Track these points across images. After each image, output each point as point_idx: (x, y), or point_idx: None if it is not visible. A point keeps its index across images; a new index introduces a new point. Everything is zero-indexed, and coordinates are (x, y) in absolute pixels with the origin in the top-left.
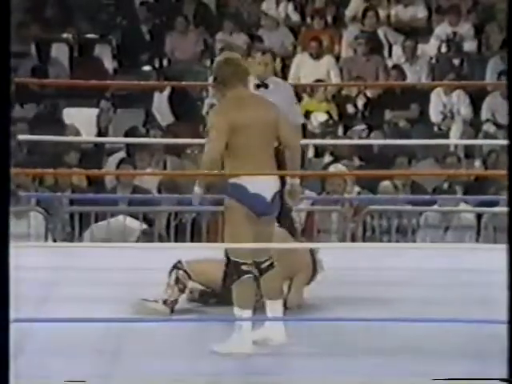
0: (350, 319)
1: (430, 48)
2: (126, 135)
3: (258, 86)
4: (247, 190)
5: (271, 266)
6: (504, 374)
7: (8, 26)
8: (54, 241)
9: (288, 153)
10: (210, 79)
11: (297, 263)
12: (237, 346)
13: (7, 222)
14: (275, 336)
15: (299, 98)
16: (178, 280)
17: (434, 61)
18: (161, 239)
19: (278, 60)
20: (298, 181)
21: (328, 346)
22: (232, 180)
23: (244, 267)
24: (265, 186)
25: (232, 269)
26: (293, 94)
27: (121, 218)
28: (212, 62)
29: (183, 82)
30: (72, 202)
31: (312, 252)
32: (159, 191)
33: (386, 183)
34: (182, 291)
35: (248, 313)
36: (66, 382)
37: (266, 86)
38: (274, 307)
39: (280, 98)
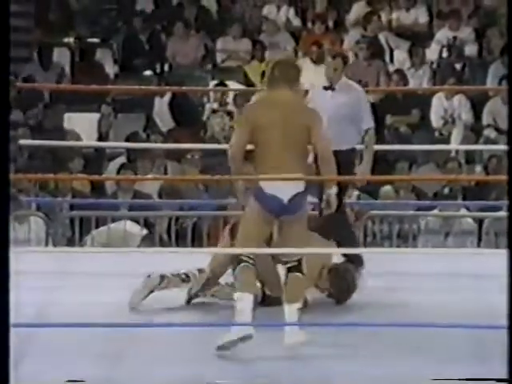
0: (352, 324)
1: (431, 53)
2: (127, 140)
3: (325, 88)
4: (263, 190)
5: (297, 268)
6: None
7: (7, 30)
8: (55, 246)
9: (319, 161)
10: (211, 84)
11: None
12: (238, 331)
13: (7, 227)
14: (293, 338)
15: None
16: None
17: (435, 66)
18: (162, 244)
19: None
20: (334, 191)
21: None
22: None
23: (242, 257)
24: (282, 187)
25: (233, 259)
26: (363, 97)
27: (122, 223)
28: (214, 66)
29: (184, 87)
30: (72, 207)
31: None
32: (160, 196)
33: (386, 188)
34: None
35: (248, 296)
36: (66, 382)
37: (333, 89)
38: (291, 310)
39: (346, 100)
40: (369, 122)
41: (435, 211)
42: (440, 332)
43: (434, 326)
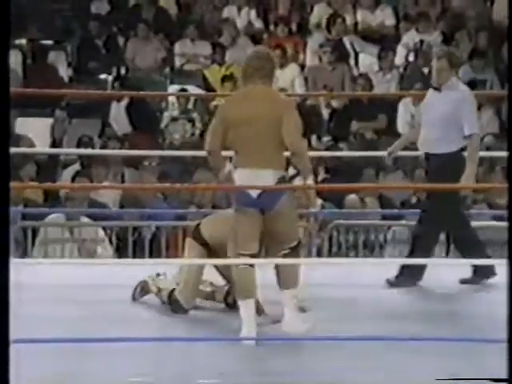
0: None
1: (397, 56)
2: (78, 145)
3: (434, 89)
4: (235, 183)
5: (291, 255)
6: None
7: (7, 31)
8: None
9: (291, 154)
10: (170, 89)
11: None
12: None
13: (7, 239)
14: (293, 327)
15: None
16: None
17: (401, 70)
18: (119, 255)
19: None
20: (310, 181)
21: None
22: (235, 171)
23: (241, 257)
24: (254, 181)
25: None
26: (467, 99)
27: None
28: (172, 70)
29: (141, 92)
30: (24, 217)
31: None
32: (121, 206)
33: (352, 197)
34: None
35: (251, 302)
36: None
37: (440, 90)
38: (287, 296)
39: (449, 102)
40: (471, 127)
41: (403, 221)
42: None
43: (423, 339)
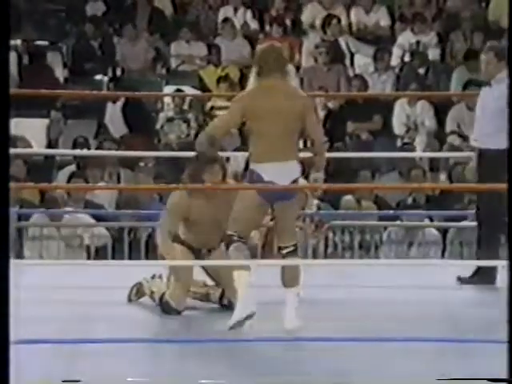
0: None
1: (393, 57)
2: (74, 146)
3: (485, 84)
4: (262, 177)
5: (294, 253)
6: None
7: (7, 31)
8: None
9: (315, 146)
10: (166, 89)
11: None
12: (243, 311)
13: (7, 240)
14: (288, 323)
15: None
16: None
17: (397, 70)
18: (114, 256)
19: (237, 70)
20: (321, 175)
21: None
22: (251, 166)
23: (233, 237)
24: (280, 173)
25: (226, 240)
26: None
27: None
28: (168, 71)
29: (137, 93)
30: (20, 218)
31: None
32: (117, 207)
33: (348, 197)
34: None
35: (247, 274)
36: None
37: (490, 85)
38: (291, 294)
39: (497, 96)
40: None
41: (398, 222)
42: None
43: (423, 340)
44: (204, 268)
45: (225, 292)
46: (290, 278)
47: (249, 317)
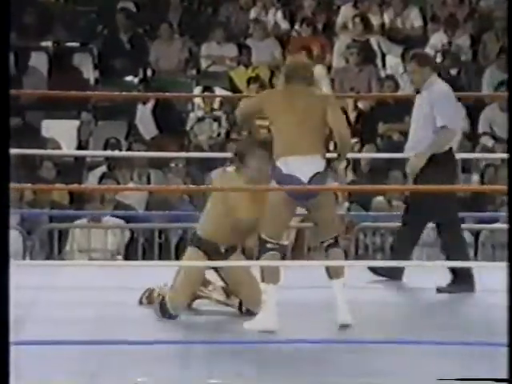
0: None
1: None
2: (105, 147)
3: (417, 92)
4: (281, 170)
5: (335, 245)
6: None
7: (7, 32)
8: (32, 259)
9: (337, 138)
10: (196, 90)
11: None
12: (263, 323)
13: (7, 240)
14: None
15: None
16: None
17: None
18: (144, 257)
19: (267, 71)
20: (343, 164)
21: None
22: (276, 161)
23: (269, 245)
24: (301, 166)
25: (260, 245)
26: (442, 96)
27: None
28: (198, 72)
29: (168, 93)
30: (51, 219)
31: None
32: (147, 207)
33: (379, 199)
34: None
35: (273, 288)
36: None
37: (420, 92)
38: (338, 285)
39: (425, 101)
40: (443, 119)
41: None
42: None
43: (430, 343)
44: (218, 272)
45: (240, 298)
46: (333, 270)
47: (267, 332)
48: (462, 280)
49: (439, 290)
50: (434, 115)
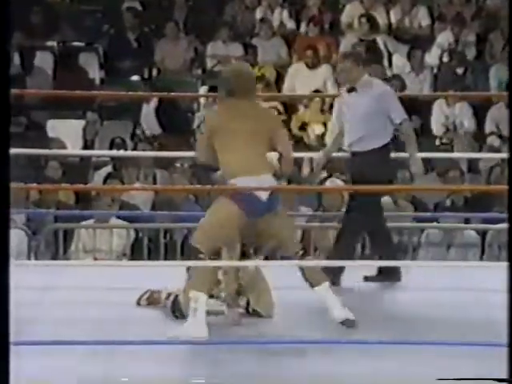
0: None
1: (432, 57)
2: (110, 147)
3: (348, 91)
4: (241, 191)
5: (304, 256)
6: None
7: (7, 34)
8: (37, 259)
9: (283, 161)
10: (201, 90)
11: None
12: (193, 330)
13: (7, 239)
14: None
15: (294, 110)
16: None
17: (435, 70)
18: (150, 257)
19: (273, 70)
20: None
21: None
22: (229, 181)
23: (201, 256)
24: (261, 183)
25: (191, 253)
26: (389, 93)
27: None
28: (203, 71)
29: (172, 93)
30: (56, 219)
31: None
32: (153, 207)
33: (385, 199)
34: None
35: (203, 297)
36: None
37: (355, 90)
38: (320, 292)
39: (368, 99)
40: (400, 115)
41: (435, 223)
42: None
43: (432, 343)
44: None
45: (249, 298)
46: (311, 280)
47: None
48: (388, 270)
49: (366, 279)
50: (384, 115)
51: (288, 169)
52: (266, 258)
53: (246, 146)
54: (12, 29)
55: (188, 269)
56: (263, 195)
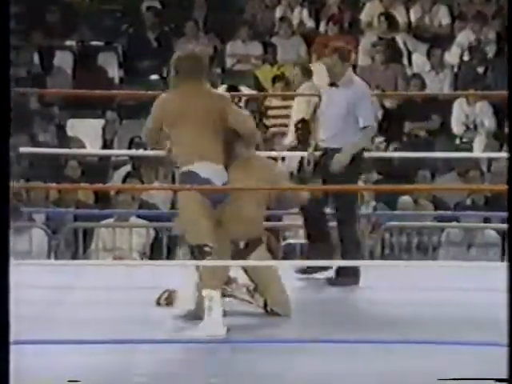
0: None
1: (452, 56)
2: (130, 146)
3: (330, 86)
4: (198, 174)
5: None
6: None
7: (7, 34)
8: (57, 258)
9: (245, 138)
10: (220, 89)
11: None
12: (210, 329)
13: (7, 237)
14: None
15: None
16: None
17: (456, 69)
18: (169, 256)
19: (292, 69)
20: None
21: None
22: (184, 168)
23: (207, 249)
24: (213, 172)
25: (196, 253)
26: (364, 93)
27: None
28: (223, 70)
29: None
30: (76, 219)
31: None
32: (172, 206)
33: (405, 198)
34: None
35: (217, 295)
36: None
37: (337, 86)
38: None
39: (346, 97)
40: (366, 120)
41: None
42: None
43: (435, 342)
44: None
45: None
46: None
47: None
48: (347, 273)
49: (329, 282)
50: (355, 115)
51: (254, 141)
52: (247, 246)
53: (198, 131)
54: (31, 28)
55: (197, 268)
56: (218, 181)
